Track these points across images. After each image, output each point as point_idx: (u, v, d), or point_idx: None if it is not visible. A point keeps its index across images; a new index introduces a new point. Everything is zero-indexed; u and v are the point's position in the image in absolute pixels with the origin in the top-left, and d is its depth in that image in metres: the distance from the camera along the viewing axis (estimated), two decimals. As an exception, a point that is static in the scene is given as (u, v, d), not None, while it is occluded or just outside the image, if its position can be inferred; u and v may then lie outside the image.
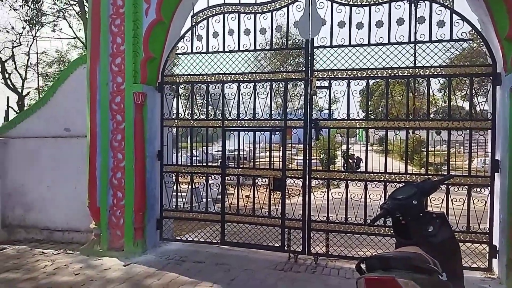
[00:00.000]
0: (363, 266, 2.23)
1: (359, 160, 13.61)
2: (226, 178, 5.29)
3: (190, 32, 5.34)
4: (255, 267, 4.58)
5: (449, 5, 4.42)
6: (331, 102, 4.92)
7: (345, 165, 12.49)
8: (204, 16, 5.27)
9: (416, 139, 7.88)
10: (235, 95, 5.21)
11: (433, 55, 4.51)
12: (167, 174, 5.47)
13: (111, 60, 5.16)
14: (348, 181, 4.79)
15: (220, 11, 5.21)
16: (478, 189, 4.42)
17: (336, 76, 4.80)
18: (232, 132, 5.31)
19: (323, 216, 4.83)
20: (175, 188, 5.51)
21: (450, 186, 4.40)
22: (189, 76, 5.37)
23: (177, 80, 5.42)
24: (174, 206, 5.54)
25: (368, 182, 4.69)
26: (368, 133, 5.04)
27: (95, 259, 4.93)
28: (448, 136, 4.52)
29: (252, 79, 5.15)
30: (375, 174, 4.72)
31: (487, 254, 4.34)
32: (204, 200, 5.53)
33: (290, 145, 6.79)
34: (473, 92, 4.52)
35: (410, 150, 11.93)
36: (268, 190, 5.08)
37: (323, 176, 5.00)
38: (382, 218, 2.91)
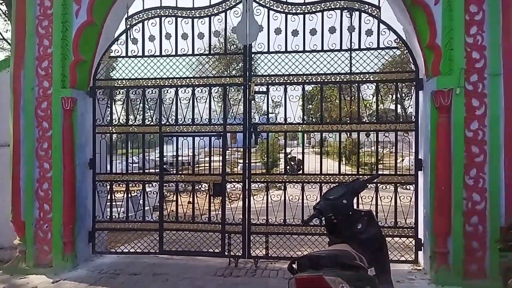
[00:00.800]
0: (294, 266, 2.27)
1: (301, 162, 13.95)
2: (166, 185, 5.15)
3: (124, 35, 5.15)
4: (195, 275, 4.50)
5: (376, 15, 4.70)
6: (273, 106, 5.00)
7: (287, 167, 12.75)
8: (140, 19, 5.12)
9: (352, 141, 8.29)
10: (173, 100, 5.10)
11: (362, 62, 4.76)
12: (100, 183, 5.20)
13: (37, 64, 4.85)
14: (287, 183, 4.90)
15: (156, 14, 5.09)
16: (406, 186, 4.72)
17: (274, 81, 4.90)
18: (170, 138, 5.18)
19: (263, 219, 4.88)
20: (109, 198, 5.25)
21: (379, 185, 4.66)
22: (124, 81, 5.17)
23: (111, 85, 5.20)
24: (108, 217, 5.27)
25: (305, 184, 4.84)
26: (307, 135, 5.19)
27: (20, 277, 4.54)
28: (376, 138, 4.79)
29: (190, 83, 5.08)
30: (311, 176, 4.87)
31: (414, 247, 4.65)
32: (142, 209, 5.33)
33: (234, 149, 6.78)
34: (400, 96, 4.85)
35: (347, 151, 12.47)
36: (208, 195, 5.03)
37: (262, 180, 5.05)
38: (317, 218, 3.00)
